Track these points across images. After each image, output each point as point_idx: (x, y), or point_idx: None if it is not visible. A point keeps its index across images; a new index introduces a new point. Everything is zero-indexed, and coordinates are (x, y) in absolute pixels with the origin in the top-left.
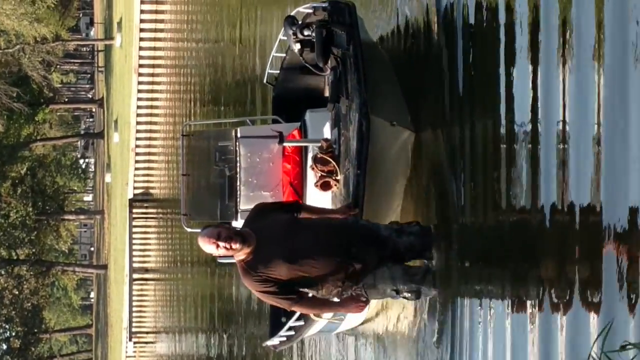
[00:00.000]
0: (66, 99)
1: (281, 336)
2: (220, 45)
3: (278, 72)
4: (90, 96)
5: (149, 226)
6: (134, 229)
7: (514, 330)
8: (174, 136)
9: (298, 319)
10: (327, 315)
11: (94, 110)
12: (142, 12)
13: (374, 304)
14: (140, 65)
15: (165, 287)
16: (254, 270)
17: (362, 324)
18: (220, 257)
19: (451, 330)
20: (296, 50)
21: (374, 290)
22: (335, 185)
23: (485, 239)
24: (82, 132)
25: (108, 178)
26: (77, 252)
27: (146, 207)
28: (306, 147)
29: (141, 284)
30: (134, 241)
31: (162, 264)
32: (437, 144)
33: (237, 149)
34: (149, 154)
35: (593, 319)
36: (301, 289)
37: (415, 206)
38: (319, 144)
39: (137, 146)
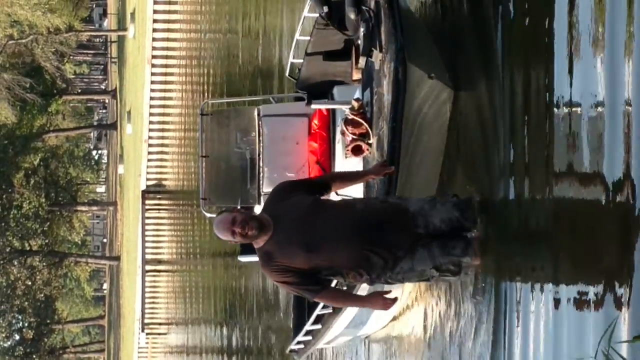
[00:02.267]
0: (79, 90)
1: (299, 342)
2: (235, 37)
3: (301, 61)
4: (103, 87)
5: (162, 217)
6: (147, 221)
7: (561, 318)
8: (187, 127)
9: (316, 322)
10: (352, 312)
11: (107, 101)
12: (155, 2)
13: (403, 299)
14: (153, 57)
15: (178, 279)
16: (273, 259)
17: (388, 325)
18: (235, 242)
19: (493, 315)
20: (324, 13)
21: (411, 274)
22: (368, 149)
23: (534, 214)
24: (95, 123)
25: (121, 169)
26: (90, 243)
27: (159, 199)
28: (334, 122)
29: (154, 276)
30: (146, 232)
31: (174, 255)
32: (479, 105)
33: (260, 128)
34: (162, 145)
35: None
36: (325, 277)
37: (454, 177)
38: (350, 105)
39: (150, 137)
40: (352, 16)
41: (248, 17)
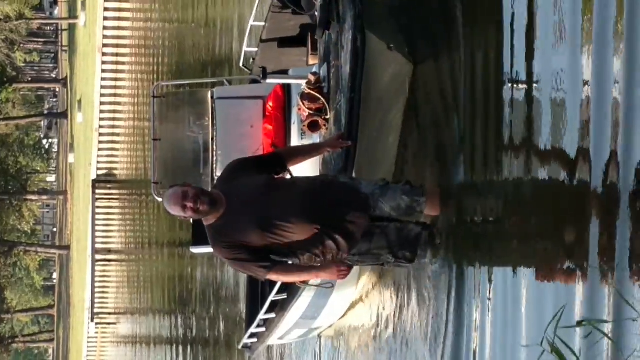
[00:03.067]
0: (29, 79)
1: (252, 334)
2: (188, 25)
3: (256, 49)
4: (54, 76)
5: (112, 207)
6: (97, 210)
7: (519, 304)
8: (138, 117)
9: (269, 310)
10: (305, 301)
11: (57, 90)
12: None
13: (358, 290)
14: (104, 45)
15: (128, 269)
16: (224, 236)
17: (343, 318)
18: (185, 218)
19: (453, 297)
20: None
21: (367, 257)
22: (325, 125)
23: (494, 196)
24: (46, 112)
25: (71, 158)
26: (40, 232)
27: (109, 188)
28: (290, 104)
29: (104, 265)
30: (96, 222)
31: (125, 245)
32: (439, 81)
33: (214, 111)
34: (113, 134)
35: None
36: (278, 259)
37: (411, 158)
38: (306, 79)
39: (100, 126)
40: None
41: (202, 5)
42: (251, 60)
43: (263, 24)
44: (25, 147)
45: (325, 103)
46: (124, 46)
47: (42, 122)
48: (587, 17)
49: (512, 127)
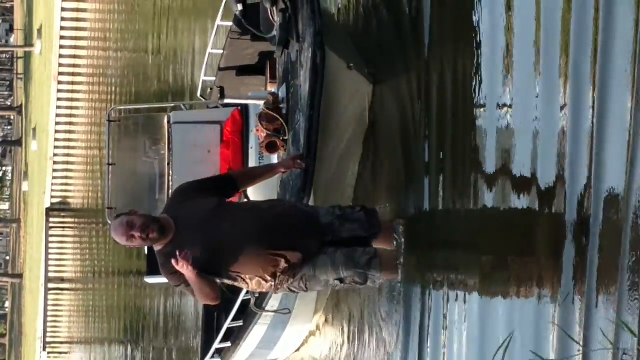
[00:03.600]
0: None
1: None
2: (145, 55)
3: (214, 79)
4: (8, 103)
5: (66, 235)
6: (51, 238)
7: (482, 321)
8: (93, 145)
9: (225, 339)
10: (262, 330)
11: (12, 117)
12: (62, 19)
13: (314, 322)
14: (60, 73)
15: (81, 298)
16: (171, 262)
17: (302, 347)
18: (133, 247)
19: (411, 324)
20: (238, 12)
21: (314, 281)
22: (283, 147)
23: (455, 221)
24: (0, 139)
25: (25, 186)
26: None
27: (63, 217)
28: (248, 129)
29: (57, 294)
30: (50, 250)
31: (79, 274)
32: (400, 102)
33: (170, 135)
34: (68, 162)
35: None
36: (225, 282)
37: (370, 181)
38: (265, 100)
39: (55, 155)
40: (268, 6)
41: (159, 35)
42: (209, 90)
43: (221, 51)
44: None
45: (284, 124)
46: (80, 74)
47: None
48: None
49: (479, 151)
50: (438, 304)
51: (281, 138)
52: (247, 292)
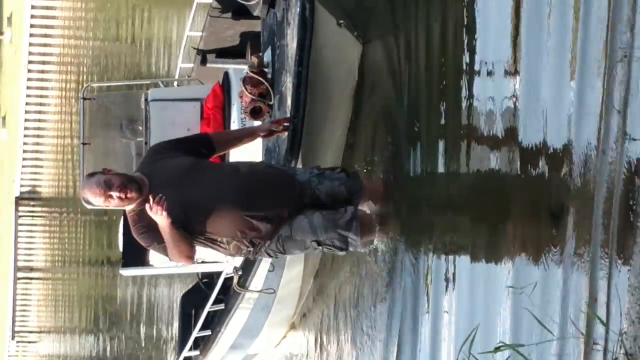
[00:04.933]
0: None
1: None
2: (118, 44)
3: (192, 65)
4: None
5: (36, 224)
6: (20, 228)
7: (471, 290)
8: (64, 134)
9: (204, 327)
10: (242, 317)
11: None
12: (32, 7)
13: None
14: (30, 62)
15: (52, 287)
16: (143, 220)
17: (283, 340)
18: (107, 207)
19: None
20: None
21: (291, 243)
22: (268, 112)
23: (441, 185)
24: None
25: None
26: None
27: (33, 206)
28: (230, 104)
29: (26, 283)
30: (19, 240)
31: (49, 263)
32: (390, 63)
33: (147, 113)
34: (37, 151)
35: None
36: (199, 240)
37: (356, 143)
38: (249, 63)
39: (25, 143)
40: None
41: (132, 23)
42: (186, 77)
43: (200, 33)
44: None
45: (269, 87)
46: (51, 63)
47: None
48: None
49: (471, 115)
50: (436, 269)
51: (266, 103)
52: (228, 272)
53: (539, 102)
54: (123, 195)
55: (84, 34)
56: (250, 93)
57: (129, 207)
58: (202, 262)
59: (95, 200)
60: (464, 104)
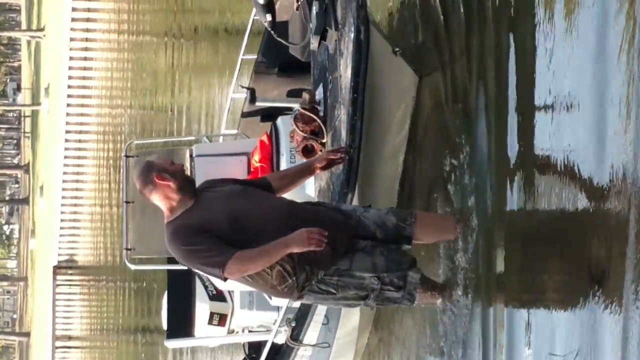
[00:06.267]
0: None
1: None
2: (154, 113)
3: (235, 132)
4: (16, 162)
5: (74, 293)
6: (58, 296)
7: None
8: (100, 203)
9: None
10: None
11: (19, 176)
12: (70, 78)
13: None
14: (67, 131)
15: (89, 356)
16: (185, 226)
17: None
18: (165, 176)
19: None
20: (267, 22)
21: (348, 279)
22: (321, 150)
23: (512, 221)
24: (7, 198)
25: (32, 244)
26: (0, 319)
27: (70, 274)
28: (278, 153)
29: (64, 352)
30: (57, 308)
31: (87, 331)
32: (450, 96)
33: (193, 169)
34: (75, 220)
35: None
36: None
37: (419, 183)
38: (301, 100)
39: (62, 213)
40: None
41: (169, 92)
42: (232, 131)
43: (245, 95)
44: None
45: (322, 124)
46: (87, 132)
47: (3, 208)
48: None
49: (538, 149)
50: (511, 319)
51: (319, 141)
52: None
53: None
54: (182, 169)
55: (121, 102)
56: (302, 131)
57: (171, 217)
58: (249, 331)
59: (160, 159)
60: (531, 141)
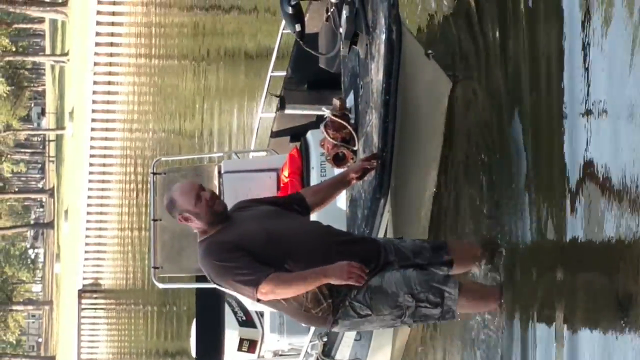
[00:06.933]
0: (16, 189)
1: None
2: (176, 136)
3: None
4: (40, 186)
5: (99, 317)
6: (83, 320)
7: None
8: (125, 227)
9: None
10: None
11: (44, 200)
12: (94, 102)
13: None
14: (92, 156)
15: None
16: (220, 243)
17: None
18: (194, 211)
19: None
20: (296, 32)
21: (381, 296)
22: (352, 159)
23: (547, 246)
24: (32, 222)
25: (57, 268)
26: (25, 343)
27: (95, 298)
28: (308, 167)
29: None
30: (82, 332)
31: (111, 355)
32: (486, 102)
33: (221, 186)
34: (100, 244)
35: None
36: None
37: (452, 205)
38: (331, 106)
39: (87, 236)
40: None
41: (194, 116)
42: (261, 147)
43: (273, 114)
44: (11, 257)
45: (353, 132)
46: (112, 156)
47: (29, 232)
48: None
49: (578, 163)
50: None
51: (350, 149)
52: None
53: None
54: (212, 203)
55: (145, 126)
56: (333, 138)
57: (205, 234)
58: (280, 355)
59: (183, 197)
60: (578, 152)
